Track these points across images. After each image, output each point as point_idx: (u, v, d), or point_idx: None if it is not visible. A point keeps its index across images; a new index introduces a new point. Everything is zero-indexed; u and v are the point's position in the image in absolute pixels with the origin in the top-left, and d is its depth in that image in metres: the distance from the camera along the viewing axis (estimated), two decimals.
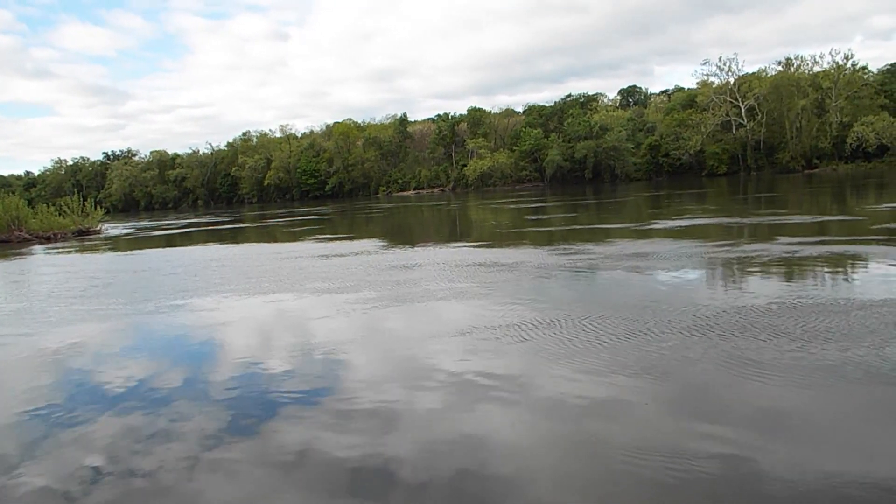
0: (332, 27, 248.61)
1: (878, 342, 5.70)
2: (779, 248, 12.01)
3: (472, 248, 15.93)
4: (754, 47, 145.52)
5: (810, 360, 5.34)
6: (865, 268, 9.81)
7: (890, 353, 5.41)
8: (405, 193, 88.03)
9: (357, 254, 16.15)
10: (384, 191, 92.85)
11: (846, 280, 8.98)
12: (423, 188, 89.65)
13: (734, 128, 70.37)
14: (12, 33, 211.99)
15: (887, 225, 14.96)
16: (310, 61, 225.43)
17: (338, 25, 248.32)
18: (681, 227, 17.89)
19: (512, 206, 36.42)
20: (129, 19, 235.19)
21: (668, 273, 10.16)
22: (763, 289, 8.49)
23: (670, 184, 57.66)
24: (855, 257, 10.65)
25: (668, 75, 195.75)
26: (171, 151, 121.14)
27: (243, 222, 41.65)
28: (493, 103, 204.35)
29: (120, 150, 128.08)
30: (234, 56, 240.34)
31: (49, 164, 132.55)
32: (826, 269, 9.76)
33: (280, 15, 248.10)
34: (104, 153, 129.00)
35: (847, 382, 4.84)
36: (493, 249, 15.50)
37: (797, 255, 11.08)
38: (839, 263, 10.22)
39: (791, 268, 9.99)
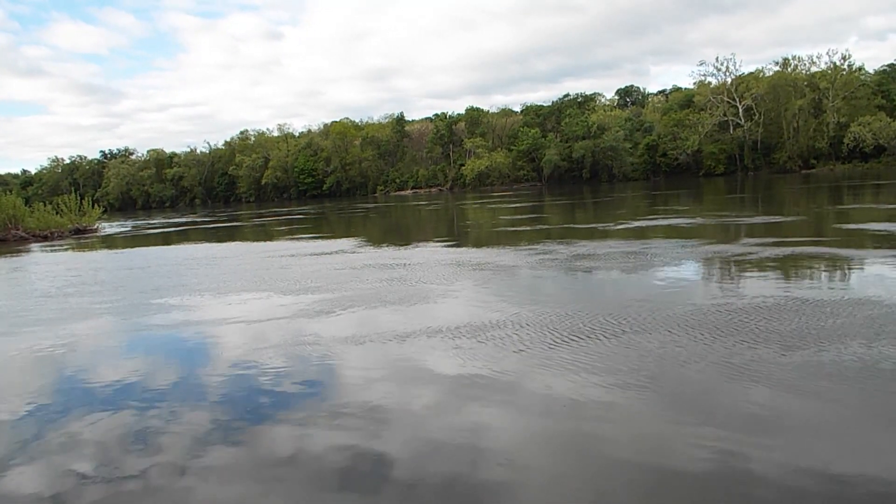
0: (326, 26, 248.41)
1: (789, 344, 5.73)
2: (737, 248, 12.19)
3: (443, 249, 16.08)
4: (748, 47, 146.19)
5: (746, 365, 5.33)
6: (807, 271, 9.89)
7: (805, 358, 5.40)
8: (403, 193, 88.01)
9: (332, 253, 16.33)
10: (382, 190, 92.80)
11: (788, 282, 8.97)
12: (420, 187, 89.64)
13: (731, 128, 70.47)
14: (4, 31, 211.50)
15: (846, 226, 15.16)
16: (304, 60, 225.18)
17: (331, 25, 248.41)
18: (652, 226, 18.25)
19: (502, 206, 36.53)
20: (120, 17, 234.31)
21: (623, 274, 10.32)
22: (707, 290, 8.62)
23: (667, 184, 57.77)
24: (802, 259, 10.70)
25: (664, 75, 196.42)
26: (166, 150, 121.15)
27: (234, 221, 41.62)
28: (488, 103, 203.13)
29: (117, 149, 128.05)
30: (227, 55, 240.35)
31: (45, 163, 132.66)
32: (771, 273, 9.73)
33: (273, 14, 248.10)
34: (101, 152, 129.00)
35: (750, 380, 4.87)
36: (462, 249, 15.76)
37: (751, 256, 11.13)
38: (788, 266, 10.21)
39: (738, 269, 10.09)
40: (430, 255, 14.75)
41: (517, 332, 6.86)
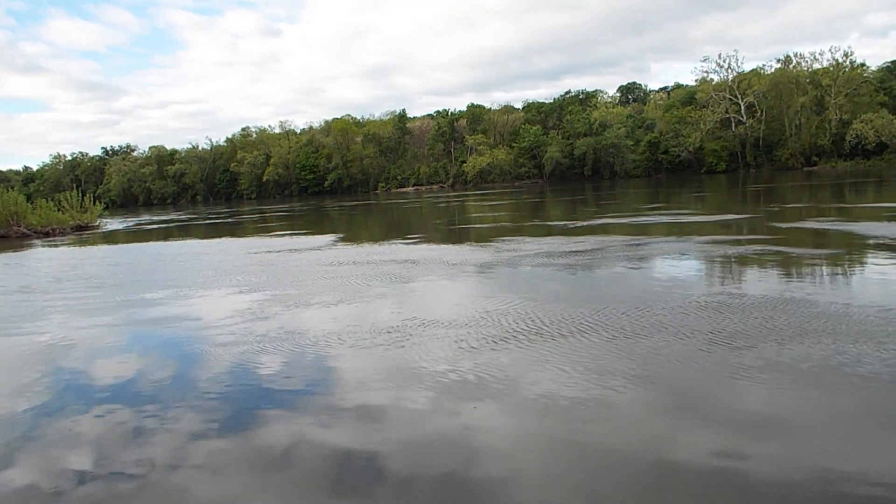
0: (324, 24, 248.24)
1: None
2: (691, 245, 12.40)
3: (406, 246, 16.24)
4: (750, 45, 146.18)
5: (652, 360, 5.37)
6: (753, 268, 9.88)
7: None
8: (404, 190, 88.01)
9: (303, 251, 16.63)
10: (383, 187, 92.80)
11: (721, 281, 9.06)
12: (422, 185, 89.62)
13: (733, 125, 70.39)
14: (1, 27, 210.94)
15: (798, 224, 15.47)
16: (303, 58, 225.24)
17: (329, 22, 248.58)
18: (632, 223, 18.63)
19: (494, 203, 36.59)
20: (117, 14, 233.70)
21: (565, 272, 10.47)
22: (654, 286, 8.65)
23: (668, 181, 57.68)
24: (743, 258, 10.79)
25: (665, 72, 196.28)
26: (168, 147, 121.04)
27: (229, 218, 41.66)
28: (489, 100, 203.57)
29: (119, 146, 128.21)
30: (226, 52, 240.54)
31: (47, 160, 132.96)
32: (705, 271, 9.85)
33: (271, 11, 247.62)
34: (103, 148, 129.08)
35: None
36: (426, 246, 16.08)
37: (712, 254, 11.26)
38: (727, 264, 10.32)
39: (676, 267, 10.22)
40: (391, 252, 14.88)
41: (432, 337, 6.77)
